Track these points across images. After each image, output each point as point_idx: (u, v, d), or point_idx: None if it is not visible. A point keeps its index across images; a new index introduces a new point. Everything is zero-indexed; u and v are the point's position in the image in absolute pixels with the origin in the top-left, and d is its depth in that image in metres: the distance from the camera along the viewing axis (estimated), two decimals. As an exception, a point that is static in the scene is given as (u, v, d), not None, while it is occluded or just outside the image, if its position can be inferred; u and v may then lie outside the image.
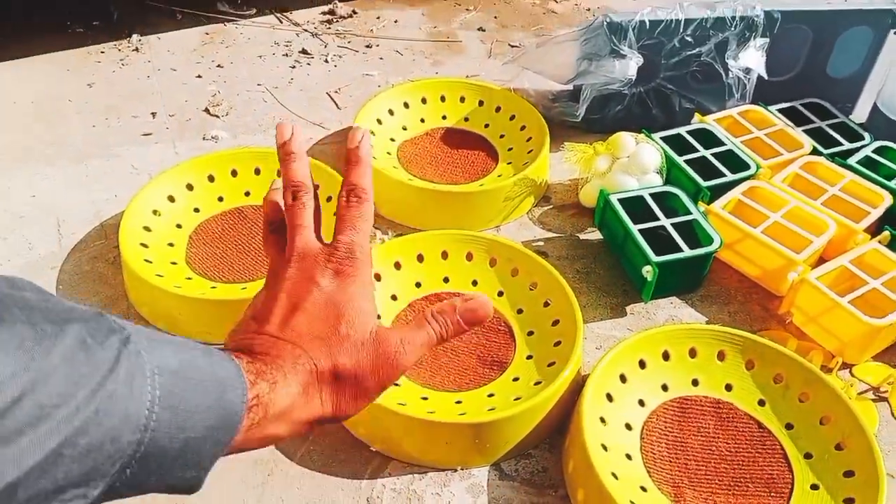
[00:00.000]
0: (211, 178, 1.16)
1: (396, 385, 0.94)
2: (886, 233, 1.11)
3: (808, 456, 0.89)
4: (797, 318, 1.07)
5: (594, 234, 1.22)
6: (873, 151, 1.27)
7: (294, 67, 1.56)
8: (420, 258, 1.07)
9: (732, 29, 1.30)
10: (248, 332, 0.46)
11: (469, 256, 1.09)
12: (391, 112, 1.36)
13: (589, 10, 1.85)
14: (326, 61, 1.59)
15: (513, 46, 1.69)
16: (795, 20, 1.33)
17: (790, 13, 1.32)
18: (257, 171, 1.18)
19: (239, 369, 0.40)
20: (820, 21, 1.34)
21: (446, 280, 1.07)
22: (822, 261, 1.11)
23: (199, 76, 1.51)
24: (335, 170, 1.17)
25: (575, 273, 1.15)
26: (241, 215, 1.14)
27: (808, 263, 1.07)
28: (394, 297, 1.04)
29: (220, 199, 1.15)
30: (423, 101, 1.39)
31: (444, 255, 1.08)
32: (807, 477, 0.87)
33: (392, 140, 1.33)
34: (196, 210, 1.13)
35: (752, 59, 1.31)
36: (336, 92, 1.50)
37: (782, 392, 0.94)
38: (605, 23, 1.28)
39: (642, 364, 0.95)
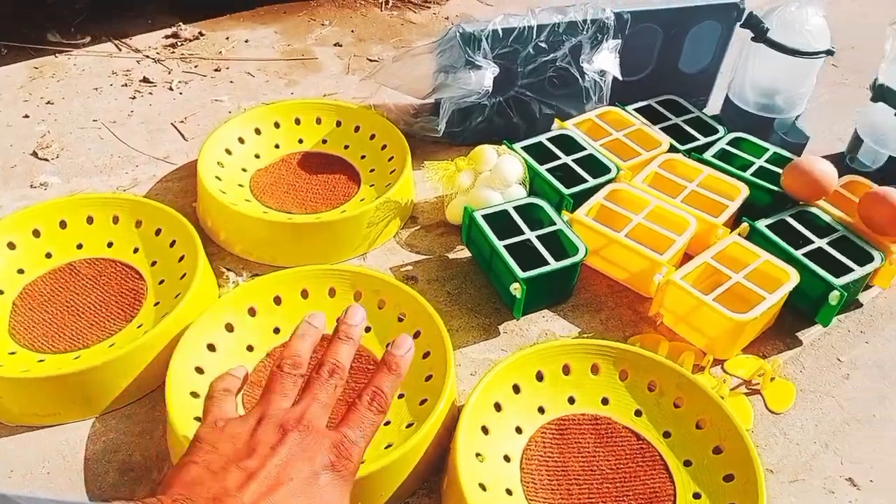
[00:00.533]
0: (36, 233, 1.05)
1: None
2: (745, 224, 1.12)
3: (687, 463, 0.88)
4: (667, 319, 1.07)
5: (463, 252, 1.18)
6: (728, 144, 1.29)
7: (135, 98, 1.46)
8: (277, 300, 1.01)
9: (585, 32, 1.29)
10: (211, 492, 0.40)
11: (332, 292, 1.03)
12: (241, 140, 1.28)
13: (448, 18, 1.82)
14: (171, 89, 1.49)
15: (371, 61, 1.64)
16: (645, 20, 1.34)
17: (640, 13, 1.32)
18: (90, 220, 1.08)
19: None
20: (669, 19, 1.35)
21: (309, 319, 1.01)
22: (688, 258, 1.11)
23: (27, 116, 1.38)
24: (180, 211, 1.09)
25: (446, 296, 1.11)
26: (74, 272, 1.04)
27: (672, 263, 1.07)
28: (250, 348, 0.97)
29: (49, 255, 1.05)
30: (276, 125, 1.32)
31: (304, 293, 1.02)
32: (688, 486, 0.86)
33: (244, 170, 1.26)
34: (20, 271, 1.02)
35: (605, 61, 1.31)
36: (182, 122, 1.41)
37: (657, 400, 0.93)
38: (457, 34, 1.25)
39: (516, 389, 0.92)
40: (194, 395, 0.91)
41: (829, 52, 1.31)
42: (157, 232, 1.09)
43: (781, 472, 0.90)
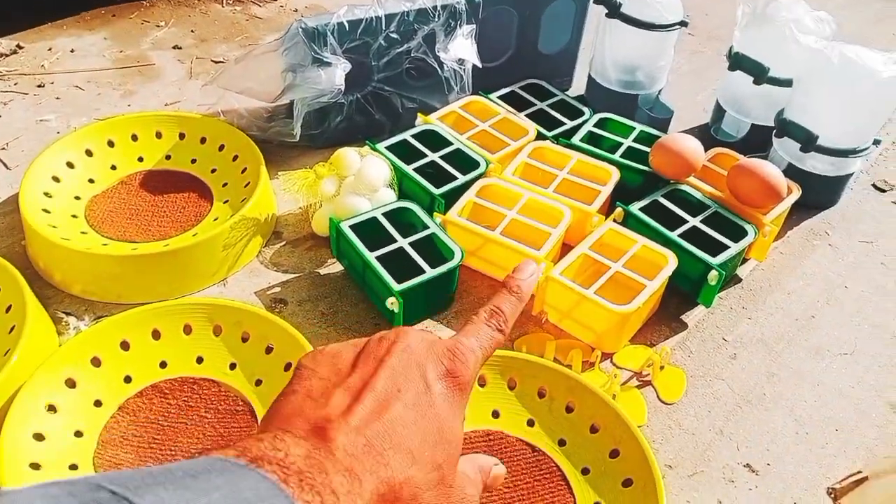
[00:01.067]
0: None
1: None
2: (619, 209, 1.10)
3: (585, 471, 0.84)
4: (552, 316, 1.03)
5: (336, 266, 1.10)
6: (594, 126, 1.26)
7: (-57, 126, 1.28)
8: (125, 346, 0.89)
9: (437, 20, 1.22)
10: (311, 421, 0.35)
11: (187, 329, 0.92)
12: (70, 164, 1.14)
13: (296, 10, 1.71)
14: (-13, 112, 1.32)
15: (216, 62, 1.51)
16: (498, 2, 1.28)
17: (491, -5, 1.27)
18: None
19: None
20: (521, 0, 1.30)
21: (163, 365, 0.90)
22: (567, 247, 1.07)
23: None
24: (7, 253, 0.95)
25: (320, 317, 1.02)
26: None
27: (550, 258, 1.03)
28: (98, 403, 0.85)
29: None
30: (111, 143, 1.19)
31: (156, 334, 0.91)
32: (587, 496, 0.82)
33: (77, 198, 1.12)
34: None
35: (462, 48, 1.25)
36: (3, 148, 1.24)
37: (549, 406, 0.89)
38: (300, 30, 1.15)
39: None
40: (35, 466, 0.79)
41: (683, 24, 1.30)
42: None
43: (680, 466, 0.87)
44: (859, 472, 0.86)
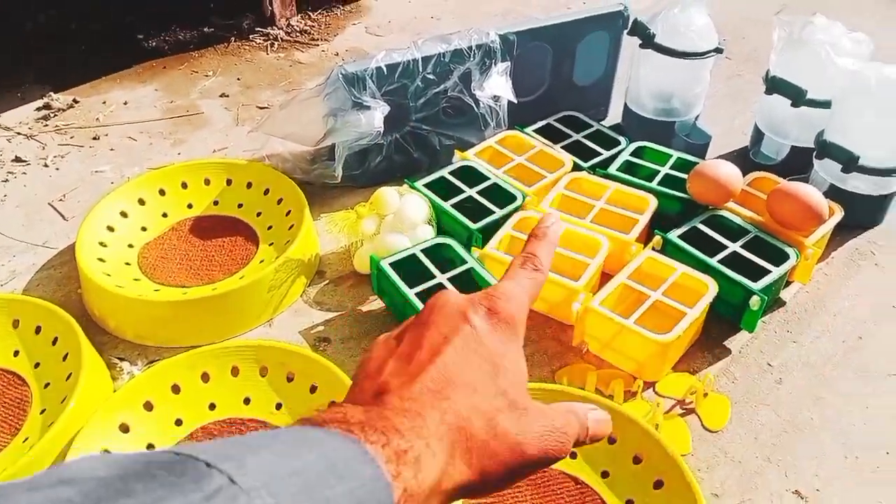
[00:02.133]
0: None
1: None
2: (657, 237, 1.10)
3: (629, 503, 0.84)
4: (593, 346, 1.03)
5: (377, 303, 1.12)
6: (631, 154, 1.26)
7: (7, 181, 1.35)
8: (176, 389, 0.93)
9: (472, 59, 1.25)
10: (370, 392, 0.37)
11: (235, 371, 0.95)
12: (124, 214, 1.19)
13: (337, 54, 1.76)
14: (46, 165, 1.39)
15: (261, 108, 1.57)
16: (531, 39, 1.31)
17: (525, 33, 1.29)
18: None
19: (375, 466, 0.31)
20: (555, 35, 1.32)
21: (212, 407, 0.93)
22: (606, 276, 1.08)
23: None
24: (65, 301, 1.00)
25: (363, 353, 1.04)
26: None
27: (589, 289, 1.04)
28: (150, 447, 0.88)
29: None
30: (162, 192, 1.24)
31: (205, 377, 0.94)
32: (632, 528, 0.82)
33: (130, 246, 1.17)
34: None
35: (497, 85, 1.27)
36: (60, 200, 1.31)
37: (591, 439, 0.88)
38: (340, 76, 1.19)
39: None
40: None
41: (718, 51, 1.30)
42: (38, 330, 1.00)
43: (726, 494, 0.86)
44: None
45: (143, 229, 1.20)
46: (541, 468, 0.38)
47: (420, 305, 0.98)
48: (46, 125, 1.50)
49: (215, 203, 1.25)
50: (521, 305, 0.41)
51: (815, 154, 1.23)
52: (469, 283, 1.04)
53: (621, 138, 1.31)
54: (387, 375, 0.38)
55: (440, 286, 1.03)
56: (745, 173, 1.20)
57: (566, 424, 0.39)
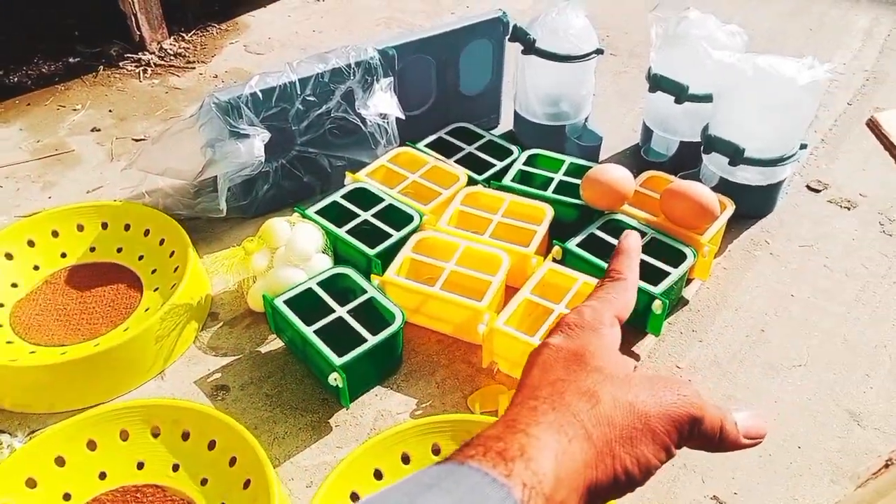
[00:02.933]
0: None
1: None
2: (556, 248, 1.08)
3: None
4: (503, 366, 1.01)
5: (277, 342, 1.07)
6: (524, 164, 1.25)
7: None
8: (60, 462, 0.85)
9: (353, 77, 1.21)
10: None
11: (124, 435, 0.88)
12: (-10, 273, 1.10)
13: (216, 76, 1.68)
14: None
15: (137, 140, 1.48)
16: (413, 51, 1.27)
17: (405, 45, 1.26)
18: None
19: (482, 474, 0.31)
20: (436, 46, 1.30)
21: (103, 476, 0.86)
22: (510, 289, 1.06)
23: None
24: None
25: (264, 399, 0.99)
26: None
27: (493, 308, 1.01)
28: (32, 531, 0.81)
29: None
30: (31, 243, 1.14)
31: (92, 444, 0.87)
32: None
33: (0, 306, 1.07)
34: None
35: (382, 102, 1.23)
36: (-82, 261, 1.19)
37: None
38: (213, 105, 1.13)
39: (354, 497, 0.82)
40: None
41: (599, 52, 1.30)
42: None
43: (646, 507, 0.85)
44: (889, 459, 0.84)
45: (14, 286, 1.11)
46: (679, 430, 0.37)
47: (318, 343, 0.94)
48: None
49: (92, 250, 1.17)
50: (597, 311, 0.42)
51: (702, 149, 1.24)
52: (370, 312, 1.00)
53: (514, 147, 1.29)
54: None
55: (340, 320, 0.99)
56: (638, 171, 1.21)
57: (680, 384, 0.38)
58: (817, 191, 1.32)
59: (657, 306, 0.99)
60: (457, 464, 0.32)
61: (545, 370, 0.39)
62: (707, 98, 1.23)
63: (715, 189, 1.16)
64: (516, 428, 0.34)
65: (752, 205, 1.24)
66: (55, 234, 1.16)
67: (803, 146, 1.22)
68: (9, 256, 1.12)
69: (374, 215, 1.15)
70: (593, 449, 0.35)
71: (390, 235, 1.11)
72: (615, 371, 0.38)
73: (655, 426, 0.36)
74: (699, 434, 0.37)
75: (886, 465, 0.79)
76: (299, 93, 1.17)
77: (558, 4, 1.28)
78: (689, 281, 1.13)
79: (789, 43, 1.77)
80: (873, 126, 1.42)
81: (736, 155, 1.18)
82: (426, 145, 1.30)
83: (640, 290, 1.00)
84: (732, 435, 0.39)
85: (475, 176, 1.22)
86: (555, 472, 0.33)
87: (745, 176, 1.22)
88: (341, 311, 1.00)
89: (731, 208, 1.14)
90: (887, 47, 1.75)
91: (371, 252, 1.08)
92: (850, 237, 1.22)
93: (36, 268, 1.13)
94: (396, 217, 1.14)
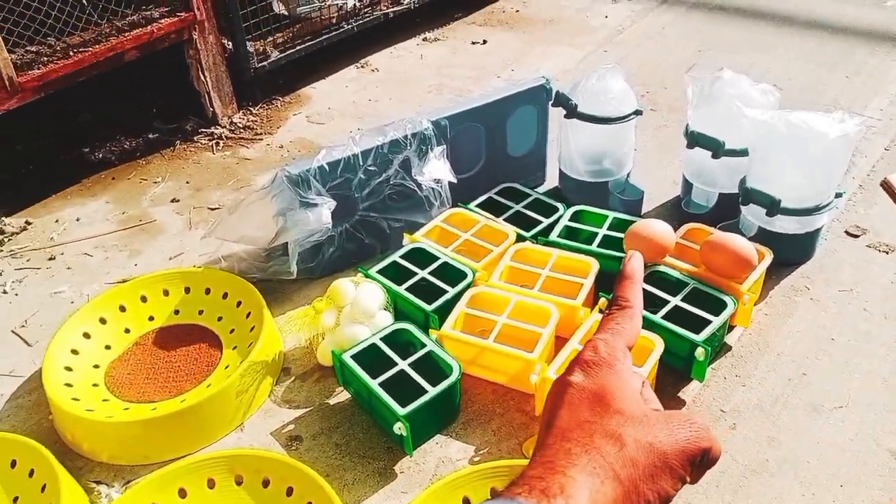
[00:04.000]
0: None
1: None
2: (603, 300, 1.15)
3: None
4: (556, 413, 1.07)
5: (344, 394, 1.15)
6: (569, 220, 1.33)
7: (-34, 313, 1.37)
8: (154, 509, 0.95)
9: (409, 147, 1.31)
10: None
11: (211, 484, 0.98)
12: (87, 335, 1.22)
13: (282, 147, 1.82)
14: (5, 292, 1.41)
15: (212, 209, 1.61)
16: (463, 120, 1.38)
17: (455, 116, 1.36)
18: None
19: None
20: (485, 114, 1.40)
21: (192, 521, 0.95)
22: (560, 340, 1.13)
23: None
24: (36, 429, 1.01)
25: (334, 448, 1.07)
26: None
27: (544, 358, 1.08)
28: (133, 572, 0.90)
29: None
30: (122, 308, 1.27)
31: (182, 493, 0.96)
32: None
33: (96, 367, 1.19)
34: None
35: (436, 168, 1.33)
36: (23, 326, 1.33)
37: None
38: (284, 178, 1.24)
39: (420, 538, 0.89)
40: None
41: (638, 113, 1.38)
42: (13, 464, 1.02)
43: (695, 546, 0.90)
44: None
45: (108, 348, 1.22)
46: (691, 462, 0.41)
47: (383, 394, 1.02)
48: (1, 250, 1.52)
49: (176, 312, 1.28)
50: (610, 345, 0.46)
51: (740, 200, 1.31)
52: (430, 365, 1.08)
53: (559, 204, 1.37)
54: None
55: (402, 373, 1.07)
56: (679, 223, 1.28)
57: (692, 421, 0.42)
58: (856, 236, 1.37)
59: (700, 353, 1.05)
60: (507, 500, 0.38)
61: (572, 411, 0.44)
62: (743, 152, 1.30)
63: (754, 238, 1.22)
64: (555, 469, 0.40)
65: (791, 252, 1.29)
66: (143, 299, 1.28)
67: (839, 195, 1.27)
68: (102, 321, 1.25)
69: (430, 273, 1.24)
70: (621, 487, 0.41)
71: (446, 291, 1.20)
72: (634, 411, 0.44)
73: (672, 462, 0.42)
74: (708, 462, 0.43)
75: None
76: (361, 163, 1.28)
77: (598, 70, 1.37)
78: (731, 328, 1.18)
79: (827, 92, 1.82)
80: (887, 187, 1.46)
81: (773, 206, 1.24)
82: (477, 205, 1.39)
83: (682, 338, 1.07)
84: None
85: (523, 233, 1.31)
86: None
87: (783, 225, 1.27)
88: (403, 364, 1.08)
89: (769, 258, 1.19)
90: (926, 91, 1.79)
91: (428, 308, 1.16)
92: (889, 280, 1.26)
93: (127, 331, 1.25)
94: (451, 274, 1.23)
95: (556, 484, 0.39)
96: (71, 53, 1.58)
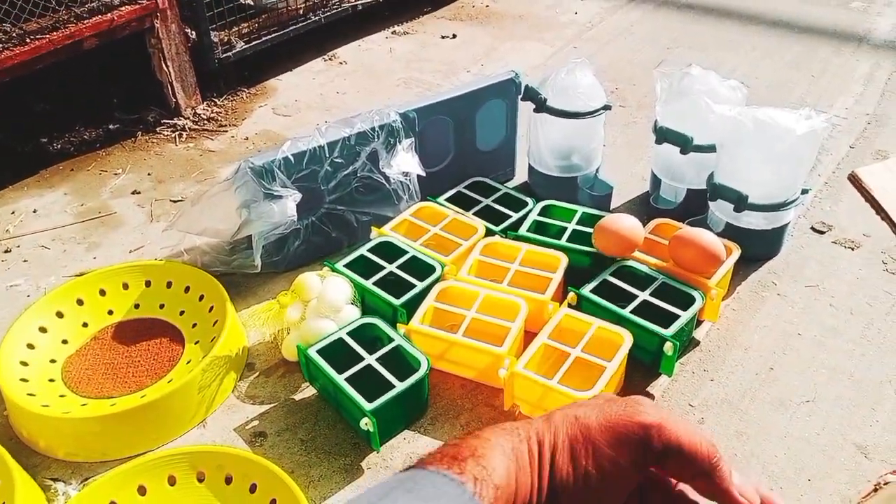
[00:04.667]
0: None
1: None
2: (572, 294, 1.15)
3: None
4: (525, 409, 1.07)
5: (310, 390, 1.13)
6: (539, 214, 1.32)
7: (-85, 308, 1.32)
8: (112, 507, 0.92)
9: (377, 139, 1.29)
10: None
11: (172, 480, 0.95)
12: (43, 329, 1.18)
13: (247, 138, 1.78)
14: (-44, 287, 1.36)
15: (175, 202, 1.57)
16: (431, 113, 1.36)
17: (424, 109, 1.34)
18: None
19: (453, 483, 0.36)
20: (454, 107, 1.38)
21: (152, 519, 0.93)
22: (529, 334, 1.12)
23: None
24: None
25: (300, 444, 1.05)
26: None
27: (513, 352, 1.07)
28: (89, 573, 0.87)
29: None
30: (80, 302, 1.23)
31: (142, 490, 0.94)
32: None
33: (52, 362, 1.15)
34: None
35: (405, 161, 1.32)
36: (-24, 321, 1.28)
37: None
38: (248, 169, 1.21)
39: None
40: None
41: (607, 108, 1.37)
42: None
43: (663, 540, 0.89)
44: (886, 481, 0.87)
45: (65, 342, 1.19)
46: (624, 442, 0.39)
47: (350, 389, 1.00)
48: (-48, 244, 1.47)
49: (136, 307, 1.25)
50: None
51: (707, 196, 1.31)
52: (397, 360, 1.07)
53: (528, 199, 1.36)
54: None
55: (369, 368, 1.05)
56: (648, 218, 1.27)
57: (633, 400, 0.41)
58: (822, 232, 1.38)
59: (668, 348, 1.05)
60: (417, 469, 0.38)
61: None
62: (711, 148, 1.30)
63: (722, 234, 1.22)
64: (471, 434, 0.40)
65: (759, 248, 1.30)
66: (102, 292, 1.24)
67: (805, 191, 1.28)
68: (59, 315, 1.21)
69: (398, 267, 1.22)
70: (539, 449, 0.39)
71: (414, 286, 1.18)
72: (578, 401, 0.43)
73: (596, 438, 0.39)
74: (674, 453, 0.39)
75: (875, 489, 0.83)
76: (328, 155, 1.26)
77: (567, 65, 1.36)
78: (699, 323, 1.19)
79: (793, 90, 1.84)
80: (854, 180, 1.48)
81: (740, 202, 1.24)
82: (446, 199, 1.38)
83: (651, 333, 1.06)
84: (726, 478, 0.40)
85: (493, 227, 1.30)
86: (505, 465, 0.37)
87: (750, 221, 1.28)
88: (370, 359, 1.06)
89: (737, 252, 1.19)
90: (888, 91, 1.81)
91: (396, 302, 1.14)
92: (855, 276, 1.27)
93: (85, 325, 1.22)
94: (420, 268, 1.21)
95: (468, 447, 0.38)
96: (27, 40, 1.53)
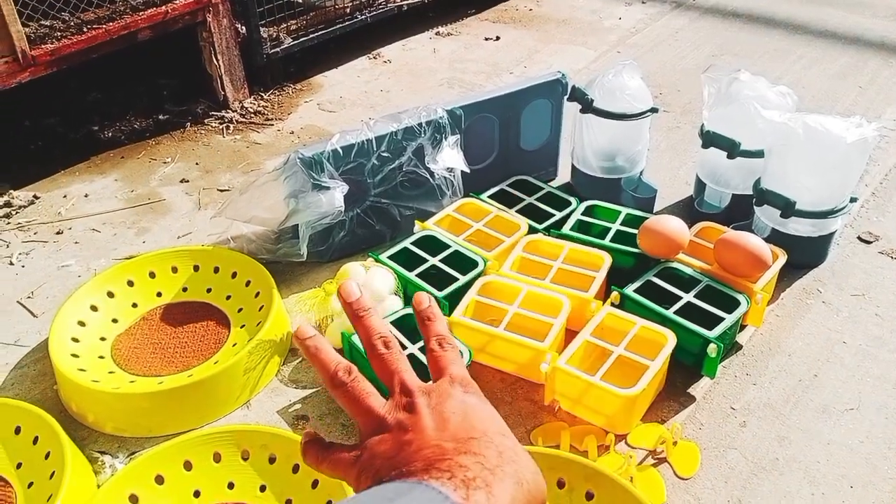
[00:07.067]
0: None
1: None
2: (615, 293, 1.15)
3: (611, 556, 0.87)
4: (564, 404, 1.07)
5: (350, 377, 1.14)
6: (582, 214, 1.32)
7: (-28, 283, 1.36)
8: (160, 480, 0.94)
9: (423, 135, 1.31)
10: (411, 452, 0.42)
11: (217, 457, 0.97)
12: (94, 308, 1.21)
13: (293, 133, 1.81)
14: (11, 263, 1.40)
15: (222, 191, 1.60)
16: (478, 111, 1.37)
17: (470, 106, 1.36)
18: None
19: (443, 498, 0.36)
20: (500, 106, 1.39)
21: (197, 494, 0.95)
22: (570, 333, 1.12)
23: None
24: (41, 398, 1.00)
25: (340, 429, 1.06)
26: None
27: (554, 348, 1.08)
28: (137, 542, 0.89)
29: None
30: (130, 283, 1.26)
31: (188, 465, 0.96)
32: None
33: (102, 339, 1.18)
34: None
35: (450, 157, 1.33)
36: (29, 297, 1.32)
37: (568, 497, 0.92)
38: (297, 160, 1.23)
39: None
40: None
41: (654, 110, 1.38)
42: (17, 430, 1.01)
43: (703, 539, 0.90)
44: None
45: (115, 321, 1.22)
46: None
47: (394, 378, 1.01)
48: (9, 223, 1.51)
49: (184, 290, 1.27)
50: (472, 381, 0.48)
51: (754, 201, 1.30)
52: (439, 351, 1.07)
53: (572, 199, 1.37)
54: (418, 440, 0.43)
55: (411, 357, 1.06)
56: (691, 223, 1.27)
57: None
58: (868, 242, 1.37)
59: (712, 350, 1.05)
60: (416, 482, 0.37)
61: (468, 422, 0.44)
62: (758, 154, 1.30)
63: (767, 240, 1.21)
64: (486, 466, 0.40)
65: (804, 255, 1.29)
66: (152, 275, 1.27)
67: (853, 199, 1.27)
68: (110, 294, 1.24)
69: (441, 260, 1.23)
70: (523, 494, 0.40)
71: (456, 279, 1.19)
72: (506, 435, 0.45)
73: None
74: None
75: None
76: (375, 149, 1.28)
77: (615, 67, 1.37)
78: (742, 327, 1.18)
79: (841, 101, 1.82)
80: None
81: (787, 208, 1.24)
82: (489, 196, 1.39)
83: (694, 334, 1.06)
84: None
85: (535, 225, 1.30)
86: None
87: (797, 227, 1.27)
88: (413, 349, 1.07)
89: (783, 258, 1.19)
90: (938, 104, 1.79)
91: (439, 294, 1.16)
92: (902, 287, 1.26)
93: (134, 305, 1.24)
94: (462, 262, 1.22)
95: (483, 479, 0.39)
96: (85, 29, 1.57)
